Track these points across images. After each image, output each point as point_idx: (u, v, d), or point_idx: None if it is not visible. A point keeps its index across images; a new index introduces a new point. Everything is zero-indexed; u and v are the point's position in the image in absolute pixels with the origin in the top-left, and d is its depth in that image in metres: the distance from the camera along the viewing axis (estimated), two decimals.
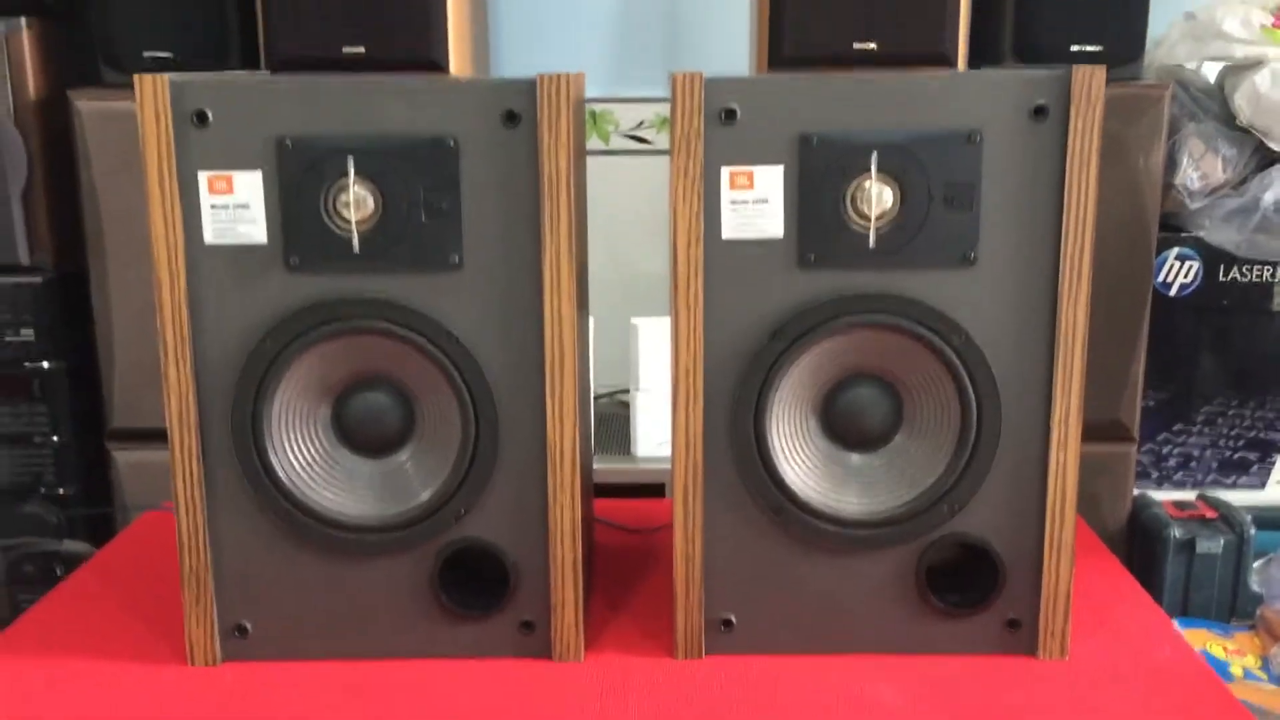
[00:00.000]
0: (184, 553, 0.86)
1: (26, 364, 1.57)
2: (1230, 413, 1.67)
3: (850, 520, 0.86)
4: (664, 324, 1.60)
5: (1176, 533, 1.53)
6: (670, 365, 0.84)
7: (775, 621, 0.88)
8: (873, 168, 0.81)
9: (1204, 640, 1.46)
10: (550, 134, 0.80)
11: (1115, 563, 1.05)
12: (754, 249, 0.82)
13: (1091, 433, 1.53)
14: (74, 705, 0.84)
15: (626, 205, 1.81)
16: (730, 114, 0.80)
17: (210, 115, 0.80)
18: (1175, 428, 1.67)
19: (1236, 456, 1.69)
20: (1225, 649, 1.44)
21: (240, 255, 0.82)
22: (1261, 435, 1.67)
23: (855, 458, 0.87)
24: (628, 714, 0.83)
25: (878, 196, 0.81)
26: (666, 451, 1.56)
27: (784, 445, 0.86)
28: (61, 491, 1.60)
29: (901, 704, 0.83)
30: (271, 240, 0.82)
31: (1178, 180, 1.59)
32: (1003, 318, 0.83)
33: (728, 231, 0.82)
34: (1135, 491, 1.62)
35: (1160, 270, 1.60)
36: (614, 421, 1.71)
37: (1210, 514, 1.58)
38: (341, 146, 0.80)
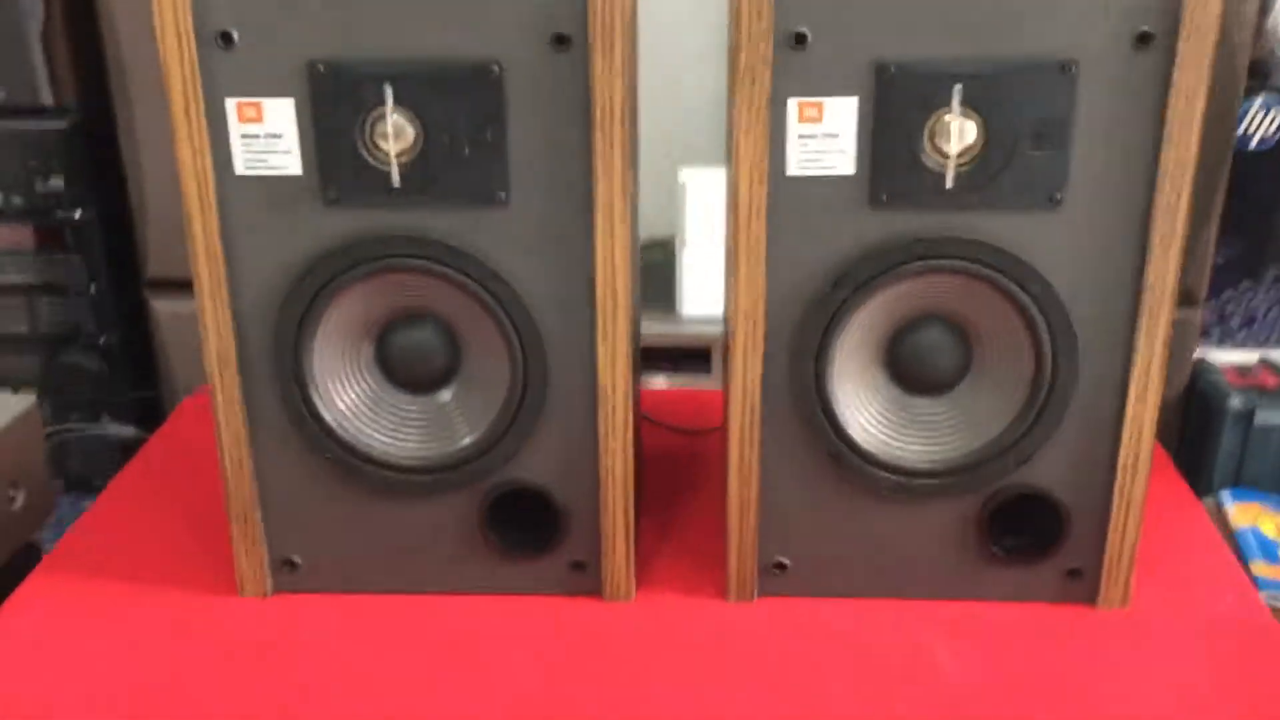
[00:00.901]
0: (230, 492, 0.85)
1: (59, 213, 1.52)
2: None
3: (911, 469, 0.82)
4: (714, 176, 1.54)
5: (1235, 403, 1.49)
6: (729, 310, 0.79)
7: (829, 566, 0.86)
8: (955, 102, 0.74)
9: (1255, 515, 1.44)
10: (604, 60, 0.73)
11: (1186, 491, 1.01)
12: (822, 187, 0.76)
13: None
14: (122, 637, 0.85)
15: (683, 24, 1.67)
16: (800, 38, 0.73)
17: (236, 36, 0.74)
18: (1242, 285, 1.60)
19: None
20: (1277, 525, 1.43)
21: (274, 187, 0.77)
22: None
23: (920, 403, 0.83)
24: (679, 656, 0.82)
25: (959, 133, 0.74)
26: (713, 311, 1.53)
27: (845, 390, 0.82)
28: (101, 340, 1.59)
29: (956, 653, 0.82)
30: (306, 172, 0.77)
31: (1270, 24, 1.47)
32: (1088, 265, 0.77)
33: (793, 168, 0.76)
34: (1196, 354, 1.58)
35: (1241, 121, 1.51)
36: (657, 275, 1.65)
37: (1271, 381, 1.53)
38: (378, 72, 0.74)
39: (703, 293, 1.53)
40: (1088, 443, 0.81)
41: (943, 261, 0.77)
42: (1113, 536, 0.84)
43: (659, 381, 1.52)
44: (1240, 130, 1.51)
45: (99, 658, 0.82)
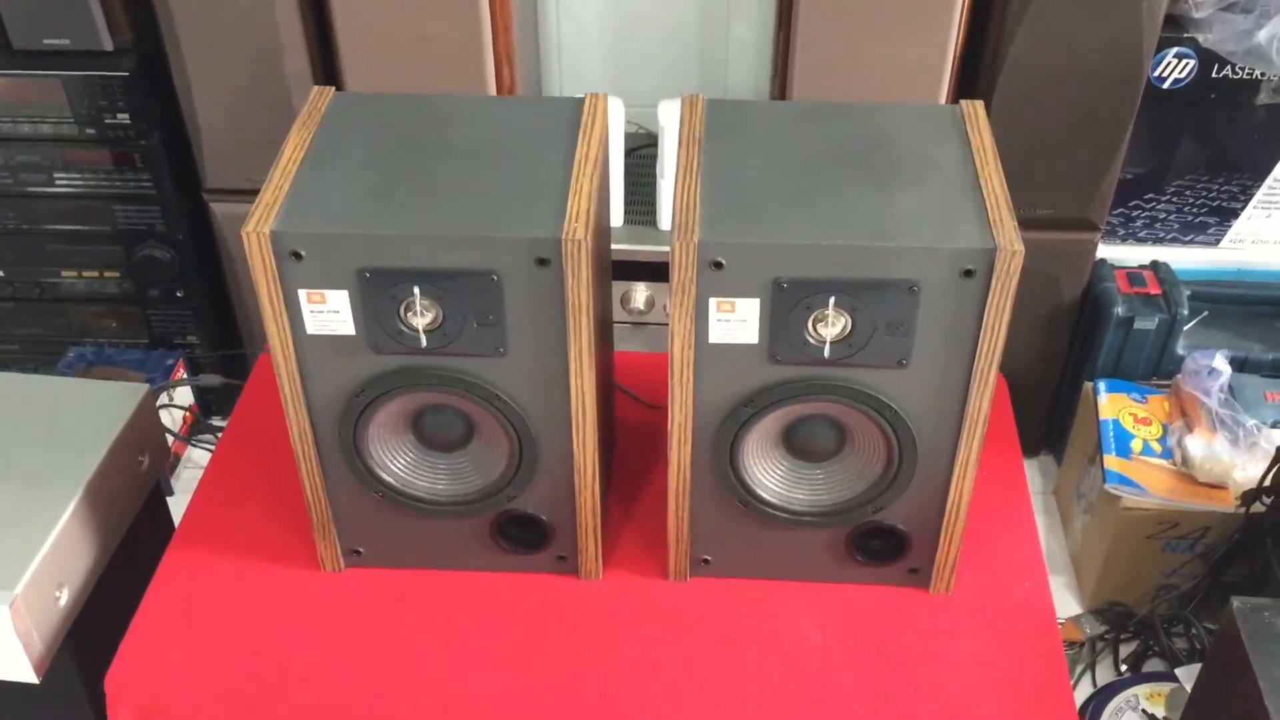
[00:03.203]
0: (312, 511, 1.19)
1: (127, 141, 1.77)
2: (1199, 185, 1.84)
3: (798, 511, 1.16)
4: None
5: (1120, 310, 1.78)
6: (670, 416, 1.10)
7: (739, 560, 1.21)
8: (830, 305, 1.01)
9: (1120, 407, 1.77)
10: (573, 276, 1.00)
11: (1024, 491, 1.33)
12: (733, 350, 1.05)
13: (1059, 224, 1.75)
14: (242, 602, 1.21)
15: None
16: (718, 264, 1.00)
17: (304, 254, 1.01)
18: (1146, 196, 1.85)
19: (1198, 220, 1.89)
20: (1135, 417, 1.76)
21: (335, 341, 1.06)
22: (1224, 204, 1.86)
23: (806, 468, 1.15)
24: (635, 619, 1.20)
25: (833, 324, 1.02)
26: None
27: (752, 461, 1.14)
28: (171, 236, 1.87)
29: (819, 618, 1.19)
30: (358, 333, 1.05)
31: None
32: (926, 401, 1.07)
33: (714, 339, 1.04)
34: (1097, 256, 1.84)
35: (1156, 66, 1.70)
36: (644, 185, 1.90)
37: (1155, 290, 1.81)
38: (410, 278, 1.01)
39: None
40: (924, 499, 1.14)
41: (820, 396, 1.07)
42: (940, 552, 1.18)
43: (639, 290, 1.81)
44: (1156, 73, 1.71)
45: (228, 618, 1.20)
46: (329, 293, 1.03)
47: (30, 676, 1.17)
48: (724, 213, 1.02)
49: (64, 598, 1.20)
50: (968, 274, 0.99)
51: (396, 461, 1.16)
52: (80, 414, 1.32)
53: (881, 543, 1.20)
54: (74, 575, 1.22)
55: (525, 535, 1.21)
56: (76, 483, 1.23)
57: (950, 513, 1.15)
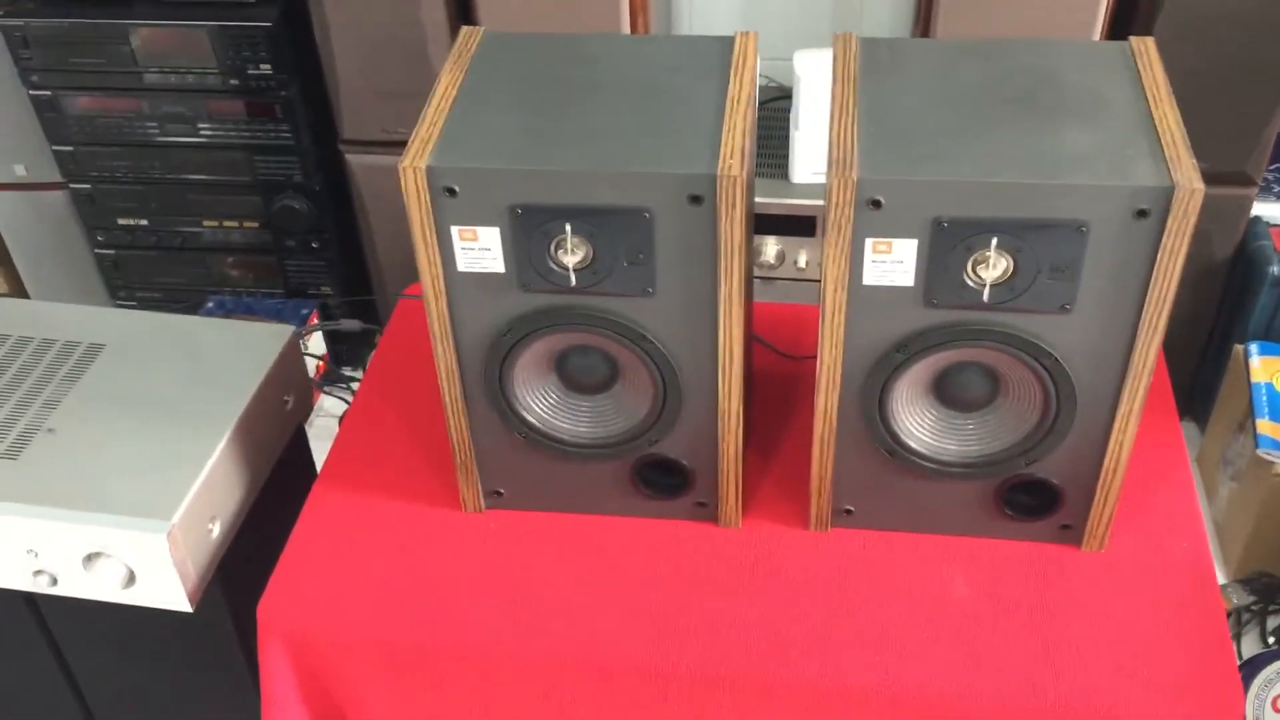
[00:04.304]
0: (455, 451, 1.19)
1: (268, 92, 1.80)
2: None
3: (946, 462, 1.13)
4: (825, 58, 1.72)
5: (1275, 269, 1.71)
6: (819, 360, 1.08)
7: (884, 512, 1.19)
8: (993, 247, 0.98)
9: (1274, 370, 1.70)
10: (727, 215, 0.99)
11: (1181, 449, 1.28)
12: (889, 292, 1.02)
13: (1213, 177, 1.68)
14: (390, 541, 1.23)
15: None
16: (876, 203, 0.97)
17: (458, 189, 1.00)
18: None
19: None
20: None
21: (484, 279, 1.06)
22: None
23: (956, 418, 1.12)
24: (776, 567, 1.18)
25: (994, 267, 0.99)
26: (821, 180, 1.76)
27: (901, 408, 1.11)
28: (308, 187, 1.90)
29: (965, 571, 1.16)
30: (508, 271, 1.05)
31: None
32: (1087, 349, 1.03)
33: (868, 280, 1.02)
34: (1252, 213, 1.76)
35: None
36: (775, 138, 1.87)
37: None
38: (561, 214, 1.01)
39: (811, 164, 1.75)
40: (1082, 452, 1.10)
41: (978, 342, 1.04)
42: (1095, 507, 1.14)
43: (769, 244, 1.79)
44: None
45: (372, 555, 1.21)
46: (481, 229, 1.03)
47: (185, 605, 1.20)
48: (883, 150, 0.99)
49: (216, 530, 1.23)
50: (1141, 214, 0.95)
51: (540, 402, 1.16)
52: (229, 354, 1.35)
53: (1031, 497, 1.16)
54: (224, 509, 1.25)
55: (665, 480, 1.20)
56: (227, 420, 1.26)
57: (1108, 467, 1.11)
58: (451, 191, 1.01)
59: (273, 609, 1.18)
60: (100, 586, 1.19)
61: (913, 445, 1.13)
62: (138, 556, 1.17)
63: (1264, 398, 1.67)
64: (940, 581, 1.16)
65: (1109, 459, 1.10)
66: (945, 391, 1.11)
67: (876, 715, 1.10)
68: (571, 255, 1.03)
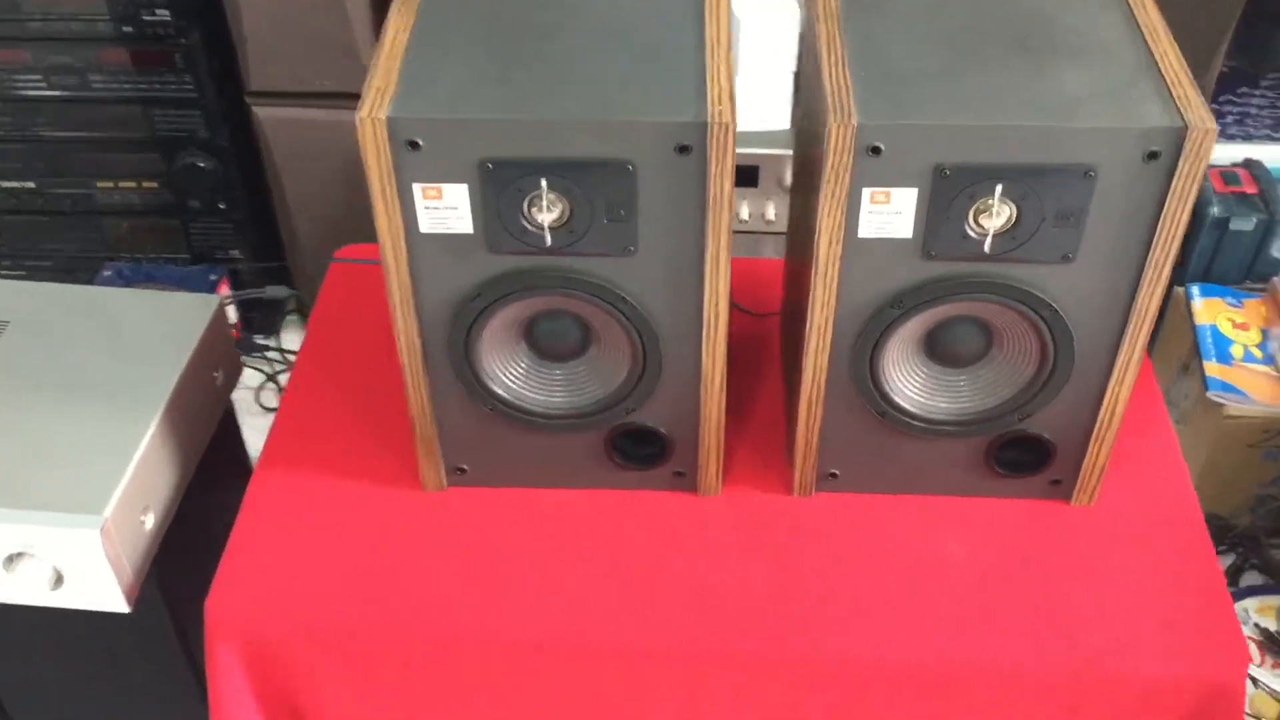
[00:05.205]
0: (415, 424, 1.11)
1: (166, 40, 1.66)
2: None
3: (938, 420, 1.08)
4: (762, 4, 1.65)
5: (1215, 210, 1.70)
6: (808, 317, 1.02)
7: (871, 474, 1.14)
8: (996, 194, 0.93)
9: (1216, 312, 1.70)
10: (717, 165, 0.92)
11: (1161, 408, 1.25)
12: (885, 245, 0.97)
13: None
14: (342, 523, 1.14)
15: None
16: (876, 150, 0.91)
17: (422, 143, 0.91)
18: (1239, 90, 1.76)
19: None
20: (1233, 322, 1.69)
21: (450, 240, 0.97)
22: None
23: (948, 374, 1.07)
24: (760, 534, 1.13)
25: (997, 215, 0.94)
26: (759, 128, 1.70)
27: (892, 367, 1.06)
28: (213, 143, 1.77)
29: (957, 532, 1.12)
30: (476, 231, 0.97)
31: None
32: (1088, 298, 0.99)
33: (864, 233, 0.96)
34: None
35: None
36: None
37: (1251, 189, 1.73)
38: (537, 169, 0.92)
39: (751, 114, 1.69)
40: (1076, 406, 1.07)
41: (977, 295, 0.99)
42: (1087, 461, 1.11)
43: None
44: None
45: (325, 542, 1.12)
46: (446, 187, 0.94)
47: (121, 605, 1.10)
48: (879, 94, 0.93)
49: (149, 522, 1.13)
50: (1152, 156, 0.91)
51: (508, 372, 1.08)
52: (150, 328, 1.24)
53: (1021, 453, 1.12)
54: (157, 498, 1.15)
55: (640, 450, 1.13)
56: (157, 401, 1.15)
57: (1103, 419, 1.07)
58: (414, 145, 0.92)
59: (221, 605, 1.08)
60: (25, 590, 1.09)
61: (903, 405, 1.08)
62: (67, 556, 1.06)
63: (1209, 340, 1.67)
64: (932, 543, 1.12)
65: (1104, 411, 1.07)
66: (937, 348, 1.06)
67: (879, 685, 1.06)
68: (547, 213, 0.95)
